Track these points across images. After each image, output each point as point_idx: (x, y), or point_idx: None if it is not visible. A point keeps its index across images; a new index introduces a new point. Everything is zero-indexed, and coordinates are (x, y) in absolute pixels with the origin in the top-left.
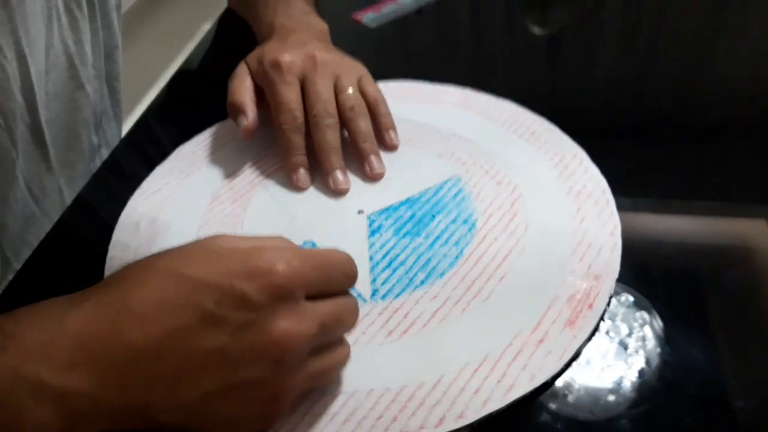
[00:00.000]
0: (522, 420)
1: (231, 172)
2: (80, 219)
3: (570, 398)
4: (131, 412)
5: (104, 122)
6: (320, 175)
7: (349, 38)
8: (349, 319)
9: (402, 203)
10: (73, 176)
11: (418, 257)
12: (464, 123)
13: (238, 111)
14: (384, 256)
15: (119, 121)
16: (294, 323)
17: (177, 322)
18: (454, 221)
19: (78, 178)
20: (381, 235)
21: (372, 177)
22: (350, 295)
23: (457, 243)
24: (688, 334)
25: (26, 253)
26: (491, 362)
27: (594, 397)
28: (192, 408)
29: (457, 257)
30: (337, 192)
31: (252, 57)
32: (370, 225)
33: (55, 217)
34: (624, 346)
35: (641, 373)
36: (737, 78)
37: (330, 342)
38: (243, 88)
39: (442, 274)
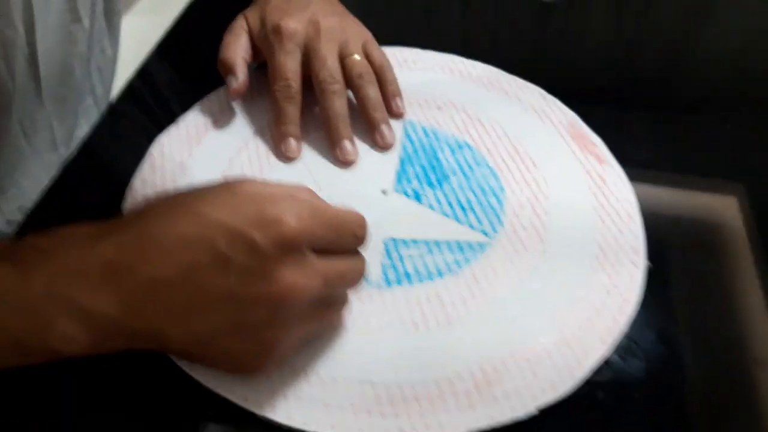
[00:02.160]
0: None
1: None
2: (92, 160)
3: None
4: (147, 336)
5: (100, 60)
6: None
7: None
8: (354, 277)
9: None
10: (64, 113)
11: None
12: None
13: (228, 70)
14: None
15: (115, 60)
16: (297, 276)
17: (192, 258)
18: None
19: (68, 115)
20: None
21: (382, 146)
22: (359, 254)
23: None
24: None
25: (13, 192)
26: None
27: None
28: (200, 339)
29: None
30: (345, 162)
31: (252, 14)
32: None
33: (45, 156)
34: None
35: None
36: (729, 49)
37: (333, 296)
38: (236, 46)
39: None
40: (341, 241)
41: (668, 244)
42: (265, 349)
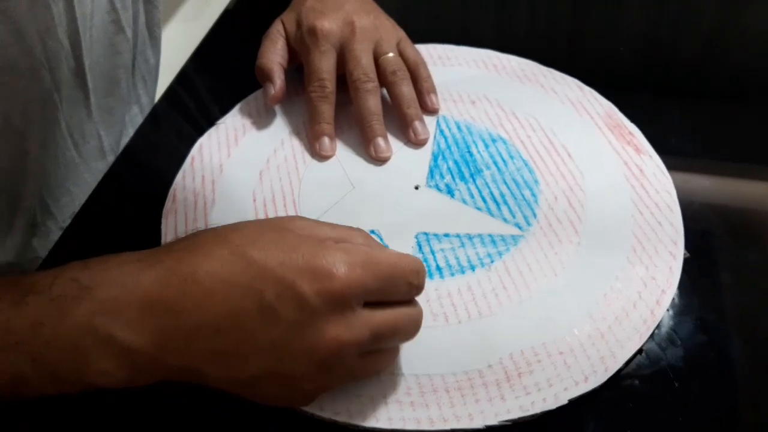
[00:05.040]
0: None
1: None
2: (134, 163)
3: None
4: (186, 373)
5: (144, 69)
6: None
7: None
8: (408, 329)
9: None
10: (112, 122)
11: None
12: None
13: (265, 77)
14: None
15: (158, 68)
16: (345, 330)
17: (238, 305)
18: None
19: (116, 124)
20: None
21: (416, 143)
22: (415, 304)
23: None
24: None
25: (65, 200)
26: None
27: None
28: (240, 382)
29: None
30: (379, 160)
31: (288, 17)
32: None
33: (93, 164)
34: None
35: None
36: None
37: (383, 347)
38: (273, 52)
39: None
40: (394, 291)
41: (709, 233)
42: (306, 398)
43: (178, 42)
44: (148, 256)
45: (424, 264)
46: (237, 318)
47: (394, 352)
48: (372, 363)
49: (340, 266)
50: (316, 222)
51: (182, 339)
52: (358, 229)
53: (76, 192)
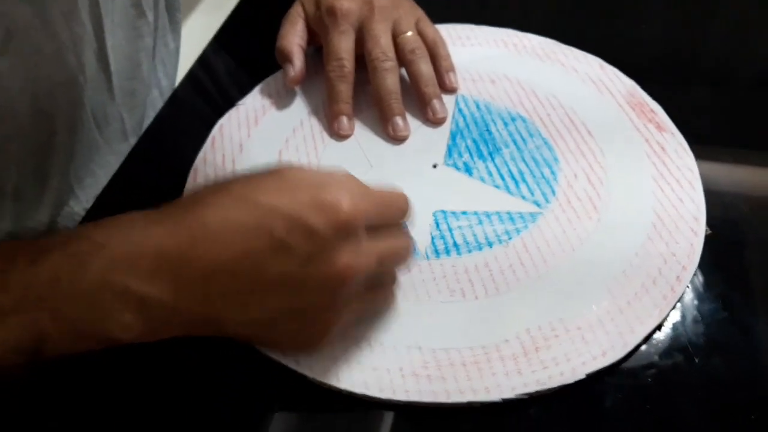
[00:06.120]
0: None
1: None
2: (156, 145)
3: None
4: (204, 322)
5: (164, 53)
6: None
7: None
8: (404, 254)
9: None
10: (134, 105)
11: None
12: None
13: (285, 58)
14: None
15: (178, 53)
16: (354, 257)
17: (249, 245)
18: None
19: (138, 107)
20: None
21: (434, 121)
22: (405, 231)
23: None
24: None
25: (89, 181)
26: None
27: None
28: (258, 323)
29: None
30: (397, 139)
31: None
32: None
33: (116, 146)
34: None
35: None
36: None
37: (385, 275)
38: (293, 33)
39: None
40: (389, 217)
41: (732, 211)
42: (323, 329)
43: (200, 30)
44: (157, 213)
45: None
46: (249, 257)
47: (393, 287)
48: (376, 292)
49: (344, 199)
50: (311, 168)
51: (198, 286)
52: (346, 173)
53: (99, 173)
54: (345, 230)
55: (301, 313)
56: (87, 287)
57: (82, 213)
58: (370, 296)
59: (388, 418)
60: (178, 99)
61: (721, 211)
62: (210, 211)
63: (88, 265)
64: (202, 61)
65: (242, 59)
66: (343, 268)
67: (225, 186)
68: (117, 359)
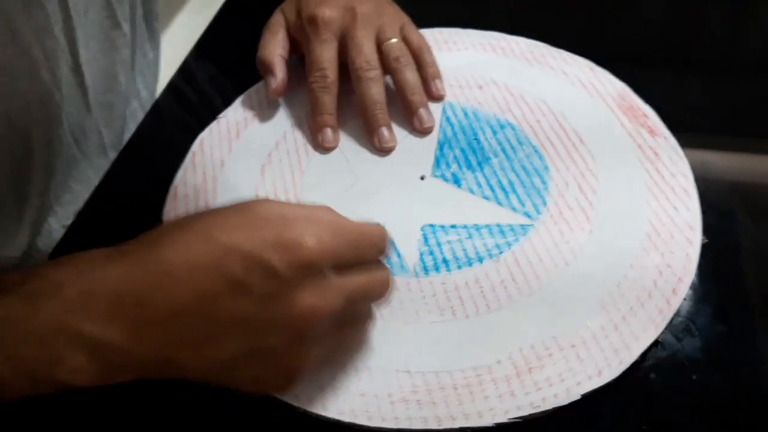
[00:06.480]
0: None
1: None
2: (136, 160)
3: None
4: (163, 366)
5: (142, 64)
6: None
7: None
8: (378, 289)
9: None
10: (112, 118)
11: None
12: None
13: (266, 70)
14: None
15: (157, 63)
16: (318, 298)
17: (206, 286)
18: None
19: (116, 120)
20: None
21: (421, 131)
22: (382, 265)
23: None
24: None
25: (68, 197)
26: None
27: None
28: (216, 368)
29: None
30: (383, 150)
31: (288, 7)
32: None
33: (95, 161)
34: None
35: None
36: None
37: (357, 313)
38: (274, 43)
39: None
40: (362, 255)
41: (729, 217)
42: (288, 373)
43: (180, 39)
44: (116, 251)
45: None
46: (206, 300)
47: (369, 321)
48: (348, 333)
49: (308, 236)
50: (282, 202)
51: (154, 329)
52: (324, 206)
53: (78, 189)
54: (307, 269)
55: (263, 355)
56: (40, 329)
57: (62, 230)
58: (340, 336)
59: None
60: (159, 110)
61: (718, 217)
62: (170, 250)
63: (43, 307)
64: (183, 71)
65: (225, 67)
66: (306, 309)
67: (186, 222)
68: None
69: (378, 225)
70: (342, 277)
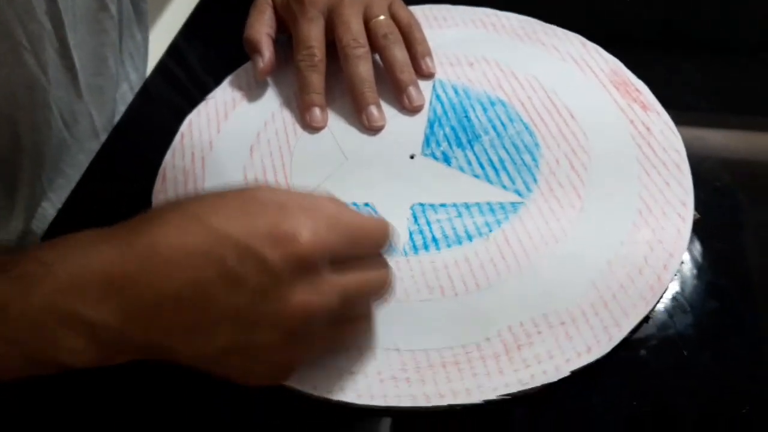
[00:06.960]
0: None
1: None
2: (126, 142)
3: None
4: (157, 350)
5: (131, 46)
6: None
7: None
8: (377, 289)
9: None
10: (102, 101)
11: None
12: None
13: (253, 49)
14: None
15: (146, 44)
16: (312, 296)
17: (199, 274)
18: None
19: (106, 103)
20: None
21: (411, 109)
22: (382, 262)
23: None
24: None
25: (60, 182)
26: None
27: None
28: (207, 357)
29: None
30: (372, 129)
31: None
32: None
33: (87, 144)
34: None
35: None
36: None
37: (354, 312)
38: (261, 22)
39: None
40: (363, 250)
41: (722, 193)
42: (279, 371)
43: (169, 20)
44: (109, 232)
45: (391, 224)
46: (199, 287)
47: (369, 321)
48: (346, 332)
49: (304, 230)
50: (283, 190)
51: (145, 313)
52: (328, 195)
53: (70, 173)
54: (302, 264)
55: (253, 351)
56: (34, 311)
57: (55, 213)
58: (336, 335)
59: (371, 423)
60: (148, 92)
61: (711, 193)
62: (162, 233)
63: (35, 288)
64: (172, 52)
65: (213, 48)
66: (298, 306)
67: (183, 206)
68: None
69: (381, 220)
70: (338, 273)
